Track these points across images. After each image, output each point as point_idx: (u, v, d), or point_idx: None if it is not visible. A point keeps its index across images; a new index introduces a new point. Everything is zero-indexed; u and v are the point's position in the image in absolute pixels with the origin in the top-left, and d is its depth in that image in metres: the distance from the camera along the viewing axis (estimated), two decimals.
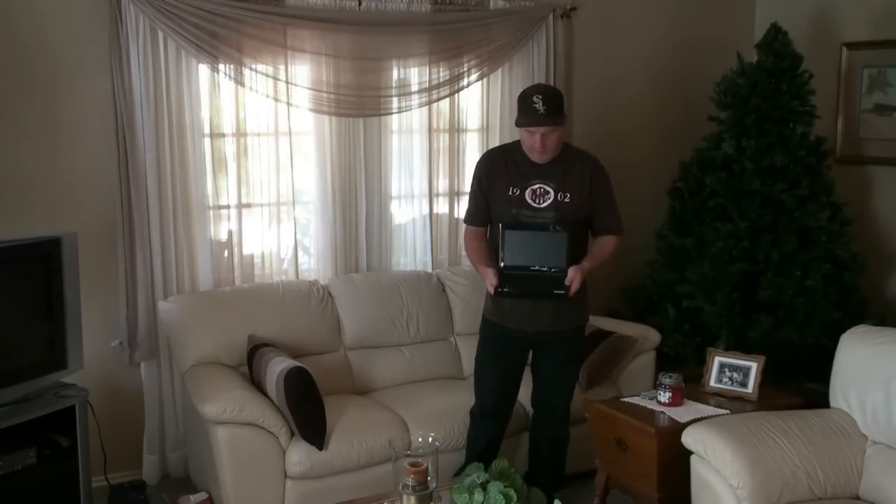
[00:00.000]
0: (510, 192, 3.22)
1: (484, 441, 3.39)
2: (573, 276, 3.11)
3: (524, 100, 3.15)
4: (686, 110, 4.83)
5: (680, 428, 3.03)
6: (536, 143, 3.13)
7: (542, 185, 3.21)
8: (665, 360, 4.15)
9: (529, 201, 3.20)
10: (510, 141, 3.51)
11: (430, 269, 4.38)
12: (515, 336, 3.31)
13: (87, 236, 3.54)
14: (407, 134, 4.34)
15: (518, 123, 3.18)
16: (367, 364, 4.00)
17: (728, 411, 3.23)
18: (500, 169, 3.27)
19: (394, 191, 4.35)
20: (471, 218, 3.40)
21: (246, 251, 4.09)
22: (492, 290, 3.16)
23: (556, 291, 3.12)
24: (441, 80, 4.27)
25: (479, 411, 3.44)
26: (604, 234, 3.35)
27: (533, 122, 3.11)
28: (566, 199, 3.20)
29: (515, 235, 3.17)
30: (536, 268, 3.14)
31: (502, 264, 3.16)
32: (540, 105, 3.09)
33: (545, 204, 3.20)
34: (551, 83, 4.50)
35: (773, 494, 2.74)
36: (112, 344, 3.78)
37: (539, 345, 3.35)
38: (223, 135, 3.97)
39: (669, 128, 4.94)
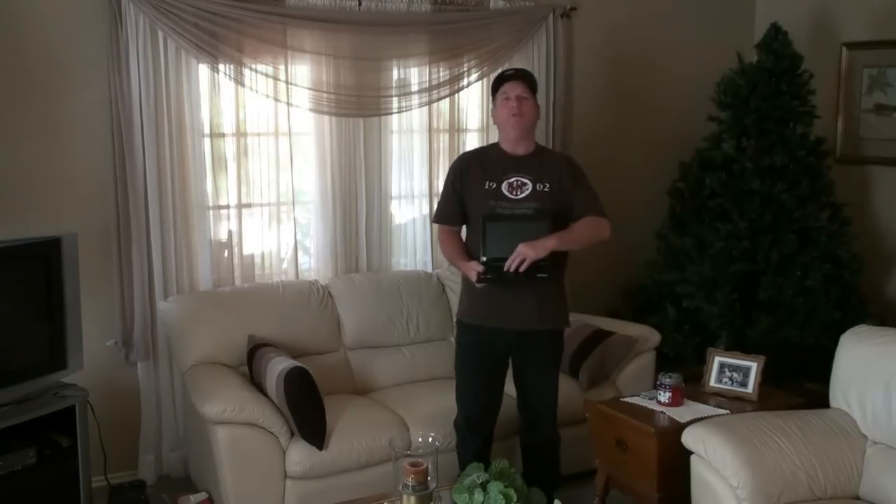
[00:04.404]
0: (486, 186, 3.21)
1: (471, 454, 3.27)
2: (522, 252, 3.00)
3: (498, 75, 3.33)
4: (686, 110, 4.83)
5: (680, 428, 3.03)
6: (513, 107, 3.16)
7: (518, 178, 3.20)
8: (665, 360, 4.14)
9: (506, 193, 3.18)
10: None
11: (430, 269, 4.38)
12: (494, 338, 3.23)
13: (87, 236, 3.55)
14: (407, 134, 4.35)
15: (493, 89, 3.28)
16: (367, 364, 4.00)
17: (728, 411, 3.23)
18: (474, 166, 3.28)
19: (394, 191, 4.35)
20: (440, 216, 3.38)
21: (246, 251, 4.09)
22: (474, 277, 3.12)
23: (538, 275, 3.07)
24: (441, 80, 4.27)
25: (463, 423, 3.37)
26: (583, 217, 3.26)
27: (507, 78, 3.23)
28: (545, 189, 3.19)
29: (496, 227, 3.13)
30: None
31: (484, 259, 3.12)
32: (512, 71, 3.30)
33: (523, 195, 3.18)
34: (551, 83, 4.53)
35: (773, 494, 2.74)
36: (107, 343, 3.78)
37: (518, 347, 3.27)
38: (223, 135, 3.97)
39: (669, 128, 4.94)
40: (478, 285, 3.15)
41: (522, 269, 3.02)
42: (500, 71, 3.42)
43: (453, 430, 3.41)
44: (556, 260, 3.10)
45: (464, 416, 3.37)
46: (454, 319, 4.14)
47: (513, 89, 3.19)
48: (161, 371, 3.90)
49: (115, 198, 3.72)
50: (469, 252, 3.23)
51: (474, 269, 3.12)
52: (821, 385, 3.23)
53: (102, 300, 3.74)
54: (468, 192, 3.26)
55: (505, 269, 3.04)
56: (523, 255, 3.01)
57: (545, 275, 3.07)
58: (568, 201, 3.23)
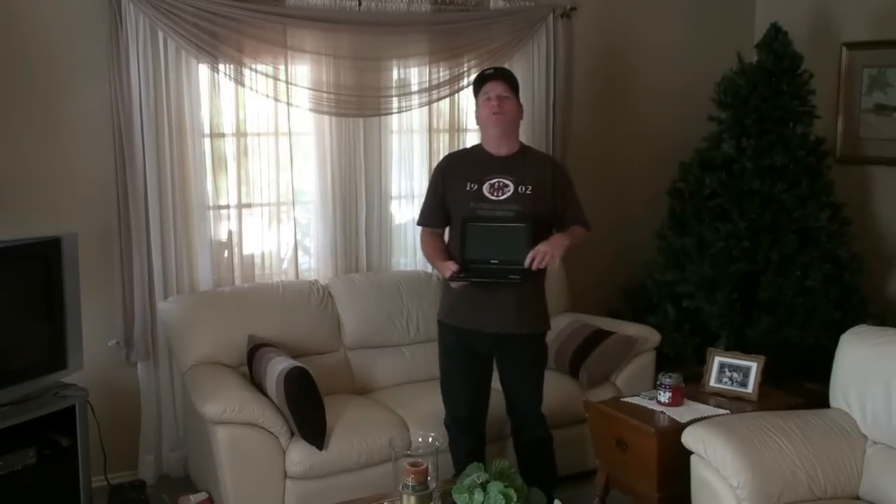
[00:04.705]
0: (468, 187, 3.19)
1: (464, 453, 3.29)
2: (545, 251, 3.03)
3: (477, 76, 3.34)
4: (686, 110, 4.83)
5: (680, 428, 3.03)
6: (494, 106, 3.15)
7: (500, 179, 3.18)
8: (665, 360, 4.15)
9: (487, 195, 3.17)
10: None
11: (430, 269, 4.36)
12: (475, 340, 3.23)
13: (88, 236, 3.55)
14: (407, 134, 4.35)
15: (475, 91, 3.26)
16: (367, 364, 4.01)
17: (728, 411, 3.23)
18: (457, 167, 3.28)
19: (394, 191, 4.35)
20: (424, 218, 3.37)
21: (246, 251, 4.09)
22: (447, 274, 3.10)
23: (511, 276, 3.07)
24: (441, 80, 4.27)
25: (452, 422, 3.36)
26: (574, 225, 3.29)
27: (487, 78, 3.21)
28: (527, 191, 3.17)
29: (476, 228, 3.12)
30: (496, 262, 3.10)
31: (463, 257, 3.11)
32: (491, 70, 3.28)
33: (504, 196, 3.16)
34: (551, 83, 4.54)
35: (773, 494, 2.74)
36: (108, 344, 3.78)
37: (499, 350, 3.28)
38: (223, 135, 3.97)
39: (669, 128, 4.94)
40: (452, 284, 3.14)
41: (544, 265, 3.05)
42: (479, 71, 3.43)
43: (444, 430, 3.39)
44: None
45: (451, 416, 3.37)
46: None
47: (493, 89, 3.18)
48: (161, 371, 3.90)
49: (116, 198, 3.72)
50: (450, 253, 3.23)
51: (450, 267, 3.11)
52: (821, 385, 3.23)
53: (103, 300, 3.74)
54: (450, 194, 3.25)
55: (526, 266, 3.04)
56: (545, 252, 3.03)
57: (517, 277, 3.07)
58: (550, 204, 3.23)
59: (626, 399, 3.44)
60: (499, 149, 3.24)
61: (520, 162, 3.22)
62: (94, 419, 3.38)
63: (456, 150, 3.82)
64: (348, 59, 4.05)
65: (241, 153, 3.99)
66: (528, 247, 3.07)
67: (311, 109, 4.03)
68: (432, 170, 3.93)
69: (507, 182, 3.18)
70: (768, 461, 2.77)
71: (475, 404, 3.35)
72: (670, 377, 3.31)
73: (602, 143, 4.89)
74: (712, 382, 3.48)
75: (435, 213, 3.32)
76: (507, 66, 4.41)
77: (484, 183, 3.18)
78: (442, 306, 3.36)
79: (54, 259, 3.20)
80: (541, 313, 3.31)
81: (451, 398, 3.36)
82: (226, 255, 4.06)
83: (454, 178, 3.25)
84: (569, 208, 3.28)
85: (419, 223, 3.42)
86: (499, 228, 3.12)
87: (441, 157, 4.35)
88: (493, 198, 3.17)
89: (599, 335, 4.01)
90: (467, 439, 3.33)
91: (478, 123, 3.33)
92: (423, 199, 4.31)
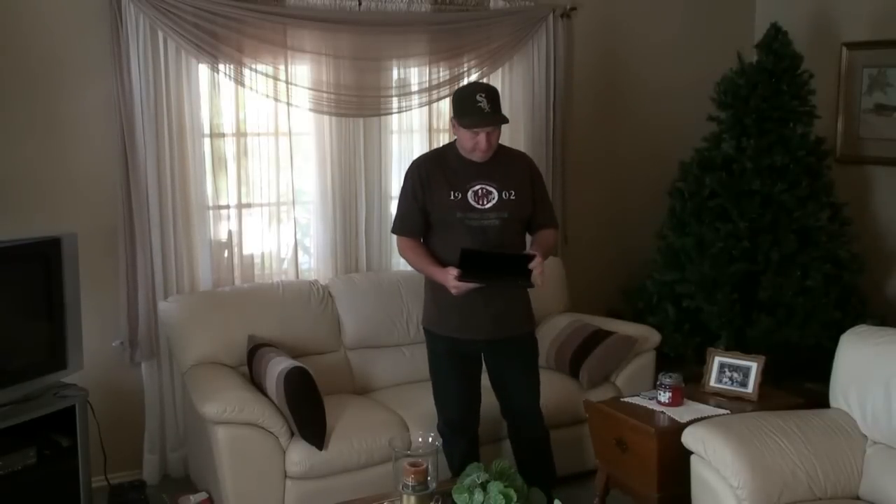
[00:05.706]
0: (451, 196, 3.13)
1: (459, 456, 3.28)
2: (539, 262, 3.05)
3: (466, 99, 3.08)
4: (686, 110, 4.83)
5: (680, 428, 3.03)
6: (482, 144, 3.06)
7: (483, 186, 3.13)
8: (665, 360, 4.14)
9: (473, 203, 3.12)
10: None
11: None
12: (466, 346, 3.23)
13: (88, 236, 3.55)
14: (407, 134, 4.35)
15: (464, 125, 3.06)
16: (367, 364, 4.01)
17: (728, 411, 3.23)
18: (436, 174, 3.17)
19: (394, 191, 4.34)
20: (402, 228, 3.26)
21: (246, 251, 4.09)
22: (452, 282, 3.03)
23: (521, 283, 3.10)
24: (441, 80, 4.27)
25: (445, 426, 3.34)
26: (542, 228, 3.30)
27: (482, 122, 3.03)
28: (511, 197, 3.15)
29: (473, 259, 3.02)
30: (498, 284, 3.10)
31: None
32: (485, 104, 3.03)
33: (490, 204, 3.13)
34: (551, 83, 4.54)
35: (773, 494, 2.74)
36: (113, 344, 3.79)
37: (492, 353, 3.28)
38: (223, 135, 3.98)
39: (669, 128, 4.94)
40: (454, 291, 3.06)
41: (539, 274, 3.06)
42: (470, 88, 3.22)
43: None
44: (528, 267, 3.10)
45: (445, 420, 3.35)
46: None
47: (484, 129, 3.06)
48: (163, 371, 3.90)
49: (120, 197, 3.72)
50: (441, 259, 3.17)
51: (451, 273, 3.04)
52: (821, 385, 3.23)
53: (105, 300, 3.74)
54: (432, 202, 3.17)
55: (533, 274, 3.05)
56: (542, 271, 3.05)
57: (526, 283, 3.09)
58: (530, 207, 3.23)
59: (626, 399, 3.45)
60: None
61: (499, 167, 3.17)
62: (95, 419, 3.38)
63: (426, 153, 3.56)
64: (348, 59, 4.05)
65: (241, 153, 3.99)
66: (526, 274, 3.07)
67: (311, 109, 4.03)
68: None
69: (490, 189, 3.14)
70: (768, 461, 2.77)
71: (469, 406, 3.34)
72: (670, 377, 3.31)
73: (602, 143, 4.89)
74: (712, 382, 3.48)
75: (417, 223, 3.22)
76: (507, 66, 4.45)
77: (467, 191, 3.13)
78: (427, 314, 3.34)
79: (54, 259, 3.20)
80: (529, 312, 3.34)
81: (445, 402, 3.35)
82: (226, 255, 4.06)
83: (435, 184, 3.16)
84: (541, 207, 3.28)
85: (398, 232, 3.30)
86: (498, 258, 3.08)
87: None
88: (479, 206, 3.13)
89: (599, 335, 4.01)
90: (462, 442, 3.32)
91: (455, 134, 3.19)
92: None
